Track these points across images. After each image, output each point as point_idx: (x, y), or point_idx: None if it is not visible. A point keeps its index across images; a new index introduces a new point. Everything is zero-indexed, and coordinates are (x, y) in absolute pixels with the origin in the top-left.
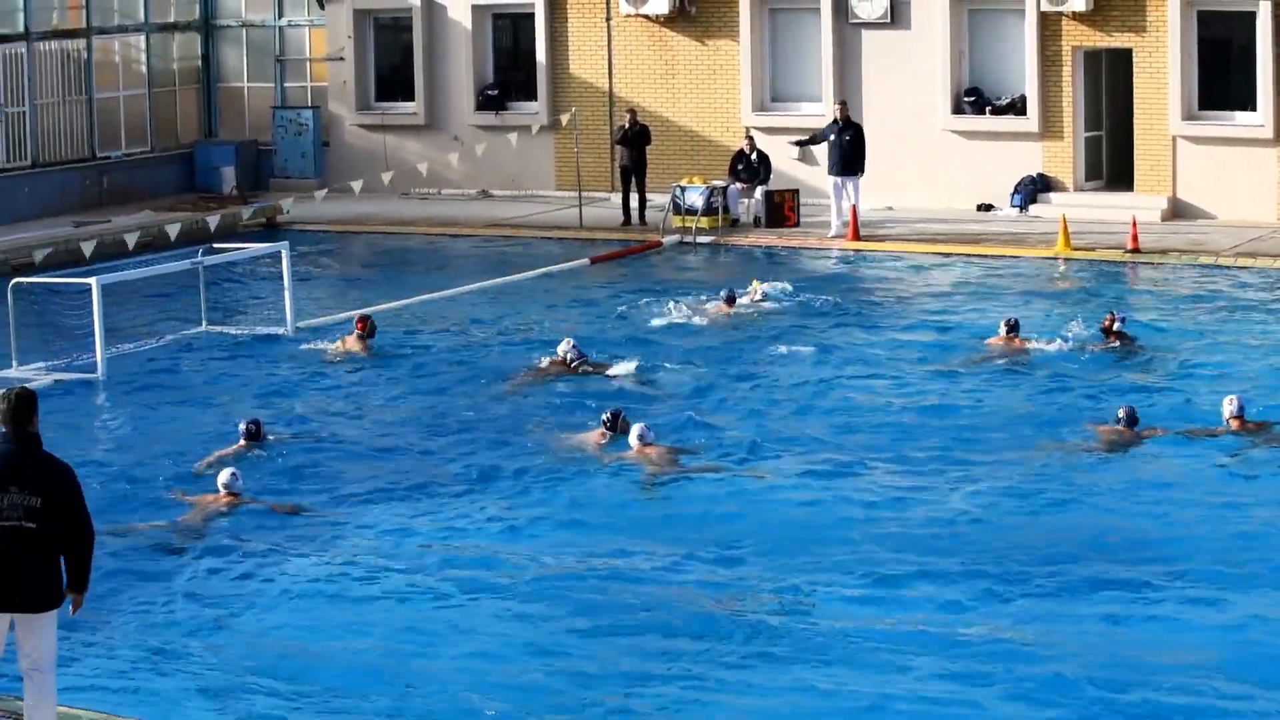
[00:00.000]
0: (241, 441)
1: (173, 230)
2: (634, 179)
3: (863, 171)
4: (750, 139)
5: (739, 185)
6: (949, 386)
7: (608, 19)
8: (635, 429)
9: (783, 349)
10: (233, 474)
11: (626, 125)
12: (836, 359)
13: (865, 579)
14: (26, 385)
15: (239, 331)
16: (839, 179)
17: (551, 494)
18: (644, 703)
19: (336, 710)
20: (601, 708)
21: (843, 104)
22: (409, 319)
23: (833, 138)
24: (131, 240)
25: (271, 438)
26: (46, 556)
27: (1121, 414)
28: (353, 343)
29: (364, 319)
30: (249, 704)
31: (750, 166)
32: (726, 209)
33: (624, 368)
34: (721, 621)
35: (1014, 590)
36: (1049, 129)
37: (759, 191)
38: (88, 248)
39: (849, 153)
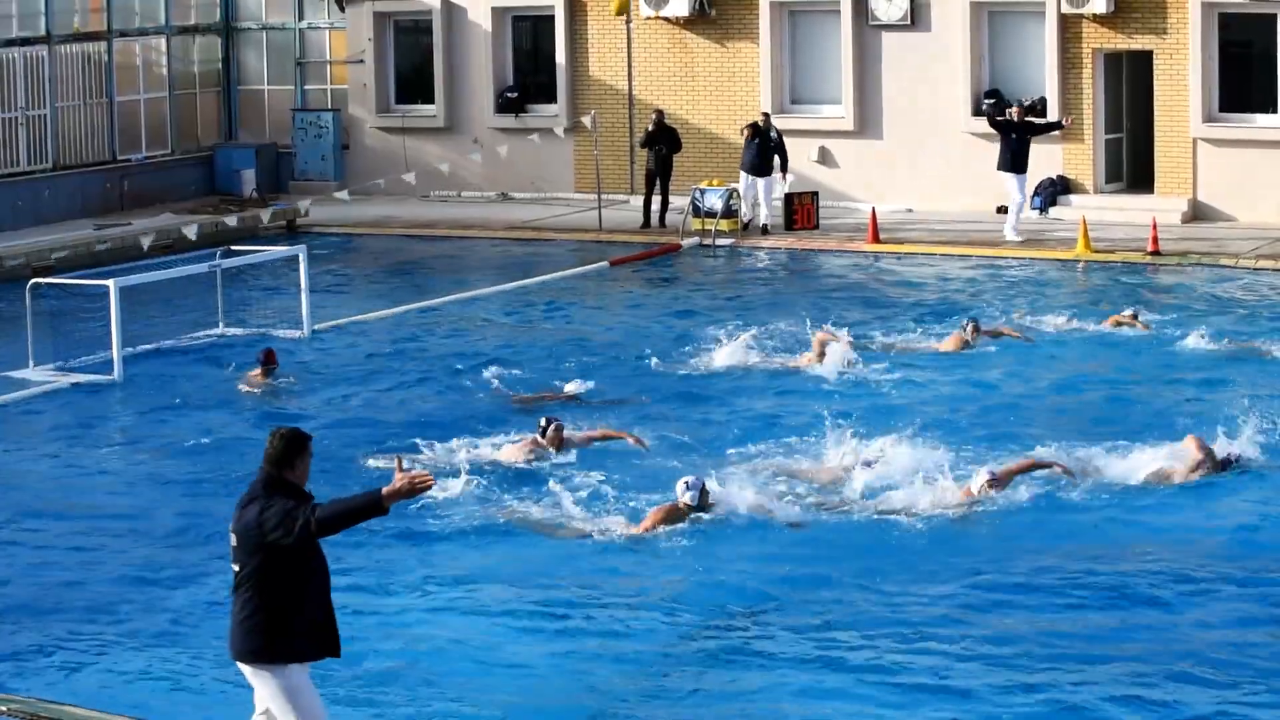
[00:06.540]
0: None
1: (192, 233)
2: (658, 181)
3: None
4: (766, 115)
5: (754, 177)
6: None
7: (627, 21)
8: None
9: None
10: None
11: (651, 128)
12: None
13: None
14: (296, 427)
15: (257, 334)
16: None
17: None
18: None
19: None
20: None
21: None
22: (430, 321)
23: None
24: (151, 243)
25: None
26: (244, 601)
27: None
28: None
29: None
30: None
31: (766, 146)
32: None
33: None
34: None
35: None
36: (1069, 131)
37: (779, 189)
38: (105, 250)
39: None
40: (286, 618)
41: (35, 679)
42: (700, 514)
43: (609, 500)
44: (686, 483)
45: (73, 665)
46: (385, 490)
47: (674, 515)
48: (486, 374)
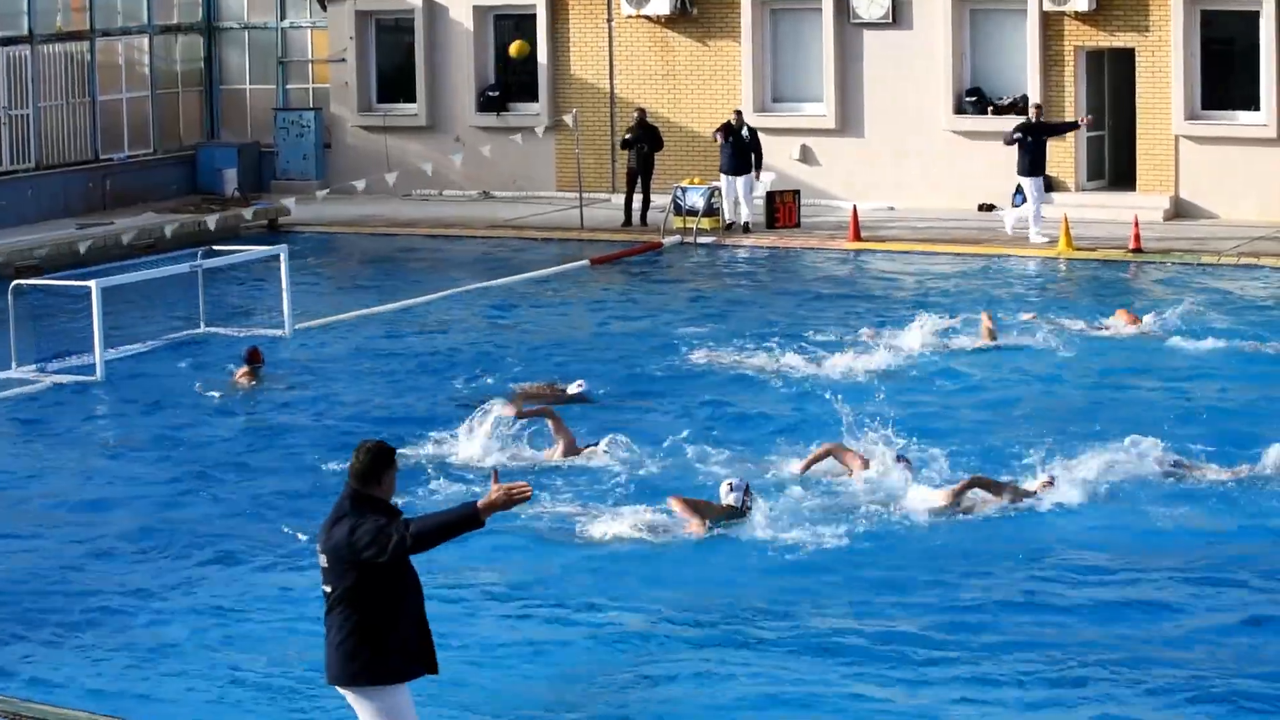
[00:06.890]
0: None
1: (175, 232)
2: (640, 180)
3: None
4: (738, 113)
5: (732, 177)
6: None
7: (609, 20)
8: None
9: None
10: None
11: (632, 126)
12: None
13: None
14: (381, 440)
15: (238, 333)
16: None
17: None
18: None
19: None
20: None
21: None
22: (412, 320)
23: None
24: (132, 242)
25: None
26: (339, 623)
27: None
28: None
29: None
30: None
31: (740, 145)
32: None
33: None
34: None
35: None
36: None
37: (759, 188)
38: (87, 249)
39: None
40: (382, 637)
41: (18, 679)
42: (740, 517)
43: (615, 503)
44: (731, 484)
45: (54, 666)
46: (481, 503)
47: (706, 511)
48: (463, 376)
